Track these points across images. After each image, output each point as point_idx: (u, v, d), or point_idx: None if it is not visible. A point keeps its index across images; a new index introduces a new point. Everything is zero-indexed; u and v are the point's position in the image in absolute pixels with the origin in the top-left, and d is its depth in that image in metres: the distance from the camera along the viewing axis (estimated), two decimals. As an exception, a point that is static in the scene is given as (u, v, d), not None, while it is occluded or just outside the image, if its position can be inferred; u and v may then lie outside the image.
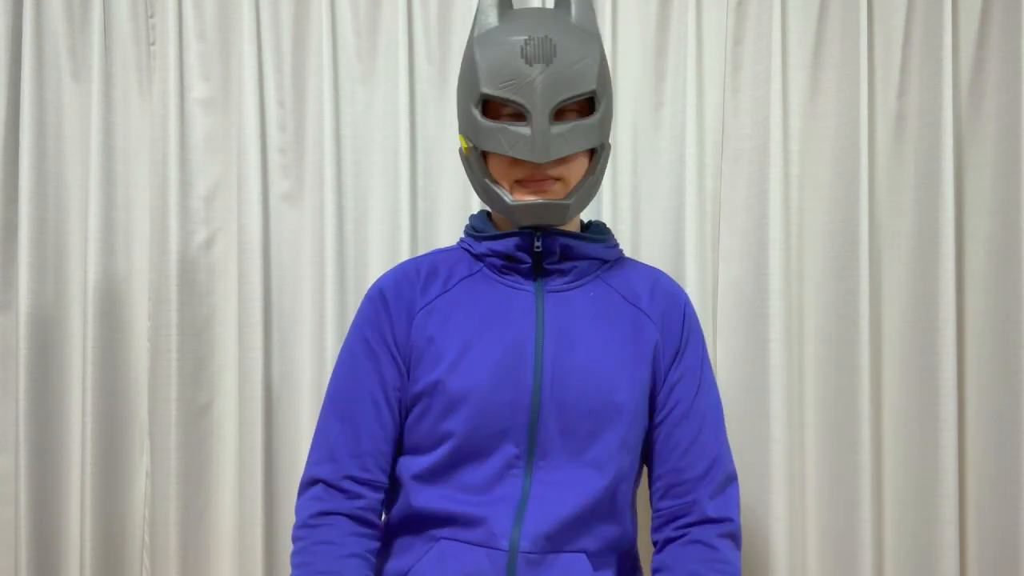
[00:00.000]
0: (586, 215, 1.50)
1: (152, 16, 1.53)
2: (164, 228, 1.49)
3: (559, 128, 0.93)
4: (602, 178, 1.05)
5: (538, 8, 1.00)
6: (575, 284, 1.03)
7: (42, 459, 1.48)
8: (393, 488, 1.04)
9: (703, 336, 1.08)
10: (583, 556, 0.96)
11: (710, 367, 1.07)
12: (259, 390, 1.47)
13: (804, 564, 1.45)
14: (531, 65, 0.92)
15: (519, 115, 0.95)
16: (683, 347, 1.04)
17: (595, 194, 1.05)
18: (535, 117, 0.92)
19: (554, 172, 0.96)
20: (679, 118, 1.46)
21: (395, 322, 1.02)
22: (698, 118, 1.45)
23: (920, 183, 1.42)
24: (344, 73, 1.50)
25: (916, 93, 1.43)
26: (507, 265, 1.02)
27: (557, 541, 0.95)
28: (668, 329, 1.03)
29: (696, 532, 0.99)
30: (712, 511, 0.99)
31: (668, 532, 1.01)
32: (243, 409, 1.48)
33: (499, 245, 1.02)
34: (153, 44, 1.53)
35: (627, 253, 1.46)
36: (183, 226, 1.50)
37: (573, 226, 1.08)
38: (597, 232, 1.10)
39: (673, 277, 1.45)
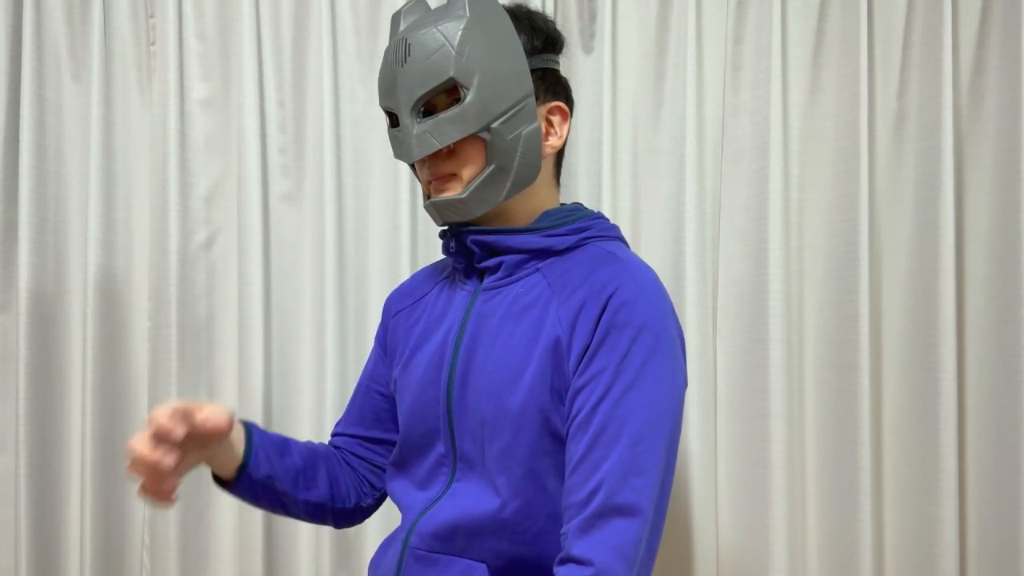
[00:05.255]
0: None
1: (152, 16, 1.53)
2: (164, 228, 1.49)
3: (423, 125, 0.91)
4: (528, 168, 0.94)
5: (421, 7, 0.98)
6: (509, 279, 0.95)
7: (42, 459, 1.48)
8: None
9: (652, 337, 0.85)
10: (483, 567, 0.89)
11: (653, 375, 0.85)
12: (259, 390, 1.47)
13: (804, 564, 1.45)
14: (394, 69, 0.92)
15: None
16: (596, 345, 0.85)
17: (517, 184, 0.94)
18: (401, 118, 0.93)
19: (447, 168, 0.94)
20: (679, 118, 1.46)
21: (386, 323, 1.12)
22: (698, 118, 1.45)
23: (920, 183, 1.42)
24: (344, 73, 1.50)
25: (916, 93, 1.43)
26: (459, 269, 1.02)
27: (447, 543, 0.91)
28: (580, 325, 0.87)
29: (558, 573, 0.82)
30: (576, 547, 0.80)
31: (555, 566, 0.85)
32: (243, 409, 1.48)
33: (441, 248, 1.03)
34: (153, 44, 1.53)
35: (627, 253, 1.46)
36: (183, 226, 1.50)
37: (523, 216, 0.98)
38: (548, 220, 0.97)
39: (673, 277, 1.46)
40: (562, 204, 1.02)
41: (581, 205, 1.03)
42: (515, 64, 0.92)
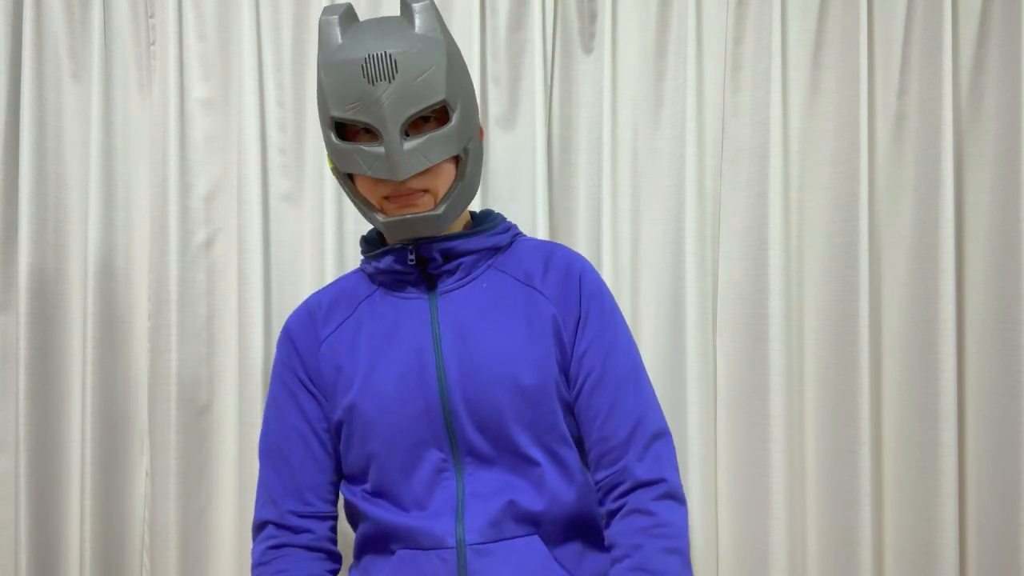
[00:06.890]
0: (585, 213, 1.50)
1: (152, 16, 1.53)
2: (164, 228, 1.49)
3: (413, 143, 0.92)
4: (478, 180, 1.04)
5: (379, 20, 0.97)
6: (467, 280, 1.03)
7: (42, 459, 1.48)
8: (353, 510, 1.06)
9: (610, 298, 1.04)
10: (536, 537, 0.97)
11: (623, 328, 1.03)
12: (259, 390, 1.47)
13: (804, 564, 1.45)
14: (374, 84, 0.90)
15: (373, 134, 0.94)
16: (584, 315, 1.01)
17: (472, 195, 1.04)
18: (386, 135, 0.91)
19: (419, 185, 0.95)
20: (679, 118, 1.46)
21: (304, 358, 1.06)
22: (698, 118, 1.45)
23: (920, 183, 1.42)
24: (344, 73, 1.50)
25: (916, 93, 1.43)
26: (397, 279, 1.03)
27: (503, 528, 0.96)
28: (566, 301, 1.01)
29: (632, 500, 0.95)
30: (643, 473, 0.96)
31: (609, 504, 0.98)
32: (243, 409, 1.48)
33: (381, 264, 1.03)
34: (153, 44, 1.53)
35: (627, 253, 1.46)
36: (183, 226, 1.50)
37: (459, 223, 1.07)
38: (483, 221, 1.09)
39: (673, 277, 1.46)
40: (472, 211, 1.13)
41: (491, 210, 1.12)
42: (471, 85, 1.01)
